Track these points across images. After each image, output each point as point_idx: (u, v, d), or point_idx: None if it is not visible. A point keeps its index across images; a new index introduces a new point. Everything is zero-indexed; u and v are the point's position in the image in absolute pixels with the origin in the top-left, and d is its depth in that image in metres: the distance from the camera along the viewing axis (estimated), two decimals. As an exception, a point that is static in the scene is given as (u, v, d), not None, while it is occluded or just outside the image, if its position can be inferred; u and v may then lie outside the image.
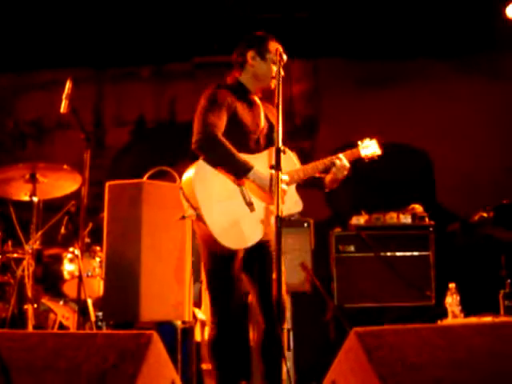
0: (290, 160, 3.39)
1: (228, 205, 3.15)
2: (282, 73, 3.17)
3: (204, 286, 4.77)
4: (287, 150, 3.22)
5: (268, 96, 3.44)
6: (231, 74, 3.50)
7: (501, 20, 6.05)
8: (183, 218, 3.15)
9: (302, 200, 3.38)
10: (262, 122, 3.44)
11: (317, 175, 3.45)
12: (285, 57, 3.37)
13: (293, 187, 3.34)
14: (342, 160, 3.40)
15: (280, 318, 3.14)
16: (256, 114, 3.43)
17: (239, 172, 3.16)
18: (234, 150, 3.17)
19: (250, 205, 3.19)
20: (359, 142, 3.58)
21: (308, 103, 6.96)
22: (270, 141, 3.33)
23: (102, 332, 3.46)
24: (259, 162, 3.25)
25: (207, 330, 4.67)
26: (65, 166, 4.32)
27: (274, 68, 3.35)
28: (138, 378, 2.34)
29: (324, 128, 6.84)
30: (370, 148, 3.58)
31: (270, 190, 3.06)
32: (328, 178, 3.45)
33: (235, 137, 3.26)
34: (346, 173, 3.41)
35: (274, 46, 3.42)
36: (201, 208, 3.07)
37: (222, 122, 3.23)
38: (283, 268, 3.32)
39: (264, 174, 3.16)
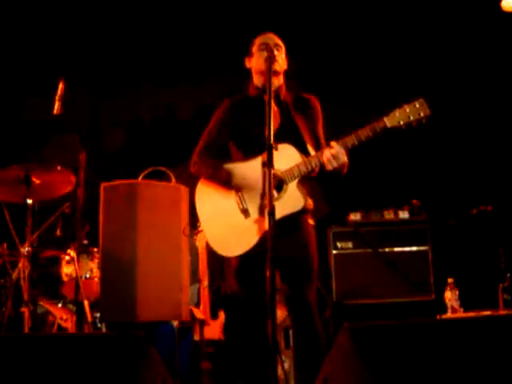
0: (292, 155, 3.24)
1: (224, 217, 3.32)
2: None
3: (203, 286, 4.77)
4: (287, 145, 3.23)
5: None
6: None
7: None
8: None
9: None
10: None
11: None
12: (277, 40, 3.43)
13: (293, 184, 3.21)
14: (327, 153, 3.14)
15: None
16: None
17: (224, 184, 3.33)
18: (214, 166, 3.36)
19: (244, 211, 3.27)
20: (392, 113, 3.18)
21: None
22: (282, 138, 3.20)
23: (93, 334, 3.45)
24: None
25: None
26: (58, 167, 4.31)
27: (264, 53, 3.29)
28: (129, 380, 2.32)
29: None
30: (411, 113, 3.18)
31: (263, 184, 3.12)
32: None
33: (243, 145, 3.40)
34: (336, 163, 3.12)
35: (260, 39, 3.46)
36: (201, 223, 3.44)
37: (216, 139, 3.47)
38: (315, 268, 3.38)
39: (247, 174, 3.26)
